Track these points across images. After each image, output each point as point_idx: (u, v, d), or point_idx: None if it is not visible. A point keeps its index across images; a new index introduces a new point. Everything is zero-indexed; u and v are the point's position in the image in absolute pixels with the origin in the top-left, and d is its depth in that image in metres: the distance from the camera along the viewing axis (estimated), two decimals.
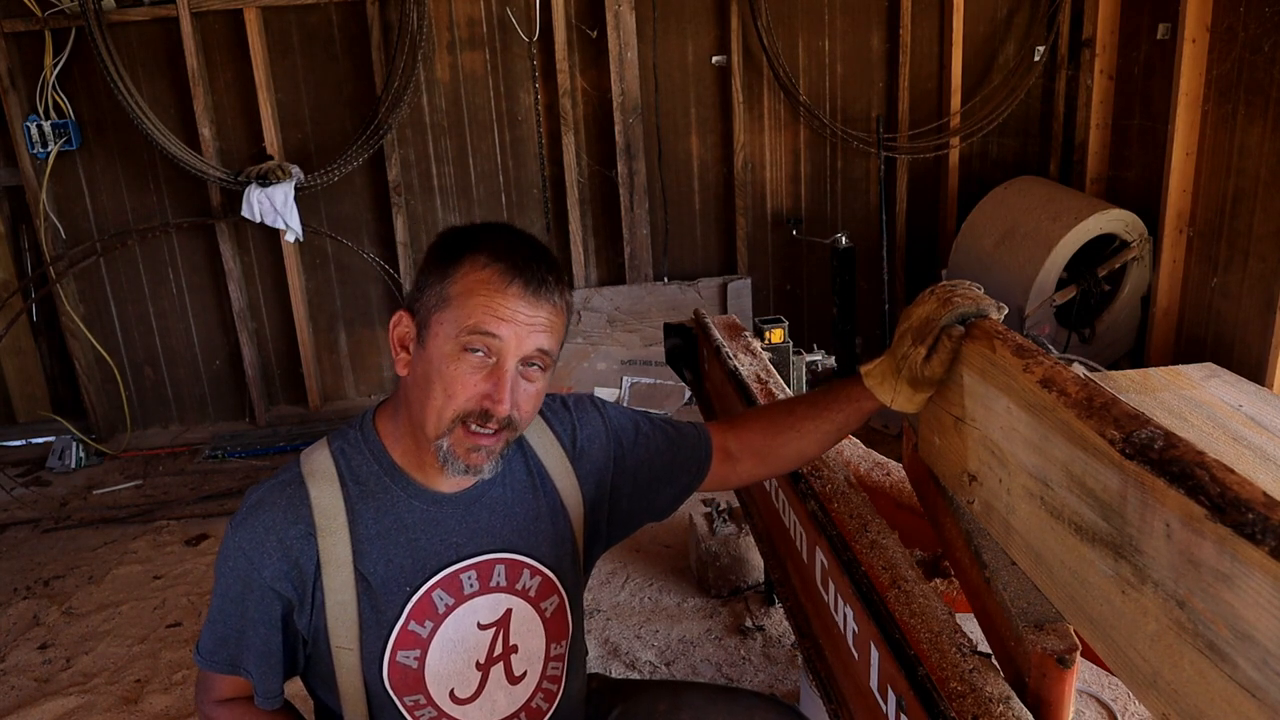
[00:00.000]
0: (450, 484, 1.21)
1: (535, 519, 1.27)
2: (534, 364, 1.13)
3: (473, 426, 1.11)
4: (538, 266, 1.13)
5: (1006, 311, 1.17)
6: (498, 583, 1.23)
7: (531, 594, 1.26)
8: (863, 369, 1.26)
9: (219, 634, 1.18)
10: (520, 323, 1.10)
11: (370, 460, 1.20)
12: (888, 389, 1.22)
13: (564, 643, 1.31)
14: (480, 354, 1.10)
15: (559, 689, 1.32)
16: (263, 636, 1.16)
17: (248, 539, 1.14)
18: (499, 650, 1.24)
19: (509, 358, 1.11)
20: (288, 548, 1.14)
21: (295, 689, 1.27)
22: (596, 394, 4.23)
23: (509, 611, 1.24)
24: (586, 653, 1.46)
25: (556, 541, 1.28)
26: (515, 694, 1.27)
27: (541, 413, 1.33)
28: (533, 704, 1.28)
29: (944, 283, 1.20)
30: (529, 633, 1.26)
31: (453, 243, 1.15)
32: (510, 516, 1.25)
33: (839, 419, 1.33)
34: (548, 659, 1.29)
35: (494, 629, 1.24)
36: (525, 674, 1.27)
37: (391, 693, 1.19)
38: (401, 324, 1.17)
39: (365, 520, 1.17)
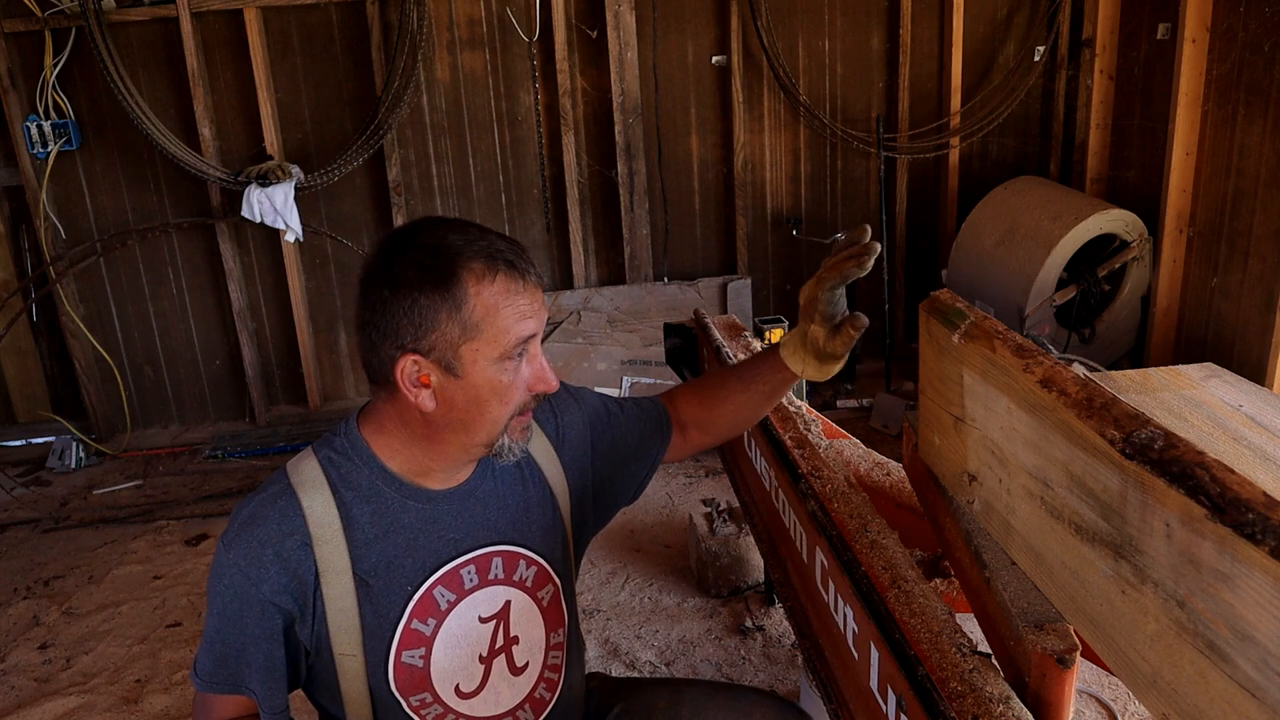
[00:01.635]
0: (441, 481, 1.22)
1: (526, 509, 1.28)
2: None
3: (526, 410, 1.18)
4: (518, 254, 1.15)
5: (871, 259, 1.24)
6: (495, 575, 1.24)
7: (528, 584, 1.27)
8: (781, 341, 1.37)
9: (218, 654, 1.15)
10: (537, 312, 1.15)
11: (360, 466, 1.19)
12: (798, 361, 1.34)
13: (561, 631, 1.32)
14: (522, 355, 1.15)
15: (560, 678, 1.33)
16: (265, 652, 1.14)
17: (243, 555, 1.12)
18: (500, 642, 1.25)
19: (536, 343, 1.16)
20: (285, 559, 1.12)
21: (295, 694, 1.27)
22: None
23: (508, 603, 1.26)
24: (584, 644, 1.46)
25: (548, 530, 1.30)
26: (518, 685, 1.27)
27: None
28: (536, 694, 1.30)
29: (840, 245, 1.30)
30: (528, 623, 1.28)
31: (443, 265, 1.09)
32: (503, 509, 1.26)
33: (765, 389, 1.42)
34: (548, 648, 1.30)
35: (494, 621, 1.24)
36: (527, 665, 1.28)
37: (398, 694, 1.19)
38: (409, 369, 1.11)
39: (361, 525, 1.17)
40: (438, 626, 1.20)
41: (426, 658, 1.19)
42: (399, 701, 1.19)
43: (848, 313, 1.27)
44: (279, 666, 1.16)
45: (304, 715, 1.29)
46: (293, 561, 1.13)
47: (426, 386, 1.12)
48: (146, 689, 2.54)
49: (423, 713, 1.21)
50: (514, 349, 1.12)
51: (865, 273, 1.23)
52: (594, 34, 4.11)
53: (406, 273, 1.09)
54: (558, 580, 1.31)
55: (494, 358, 1.11)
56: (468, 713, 1.23)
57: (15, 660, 2.73)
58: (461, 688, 1.23)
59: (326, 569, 1.14)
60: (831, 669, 1.35)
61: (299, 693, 1.27)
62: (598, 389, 4.59)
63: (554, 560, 1.30)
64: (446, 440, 1.17)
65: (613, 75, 4.11)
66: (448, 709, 1.22)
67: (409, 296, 1.08)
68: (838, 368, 1.33)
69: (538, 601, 1.28)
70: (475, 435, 1.16)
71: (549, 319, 4.26)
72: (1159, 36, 3.86)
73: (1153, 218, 3.81)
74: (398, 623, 1.17)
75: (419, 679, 1.19)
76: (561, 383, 1.41)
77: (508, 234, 1.20)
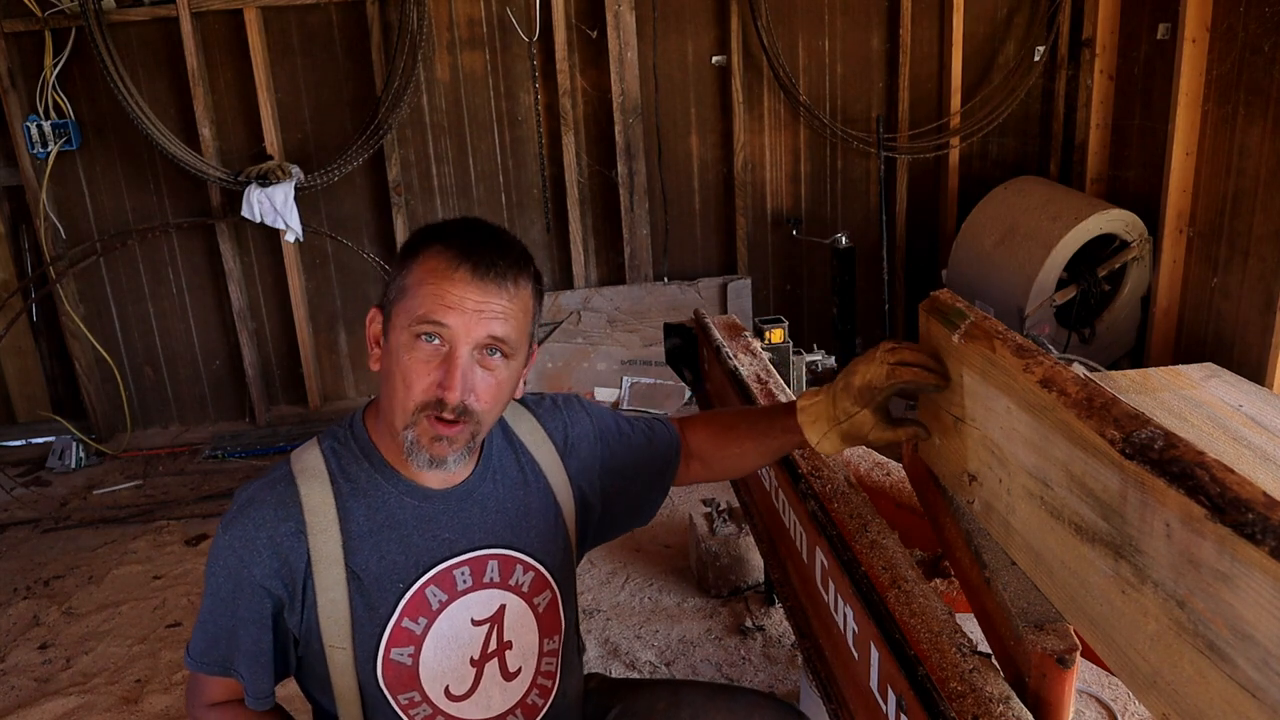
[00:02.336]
0: (440, 480, 1.22)
1: (527, 515, 1.27)
2: (493, 351, 1.13)
3: (435, 416, 1.11)
4: (488, 252, 1.12)
5: (947, 386, 1.15)
6: (491, 578, 1.24)
7: (525, 589, 1.27)
8: (800, 404, 1.28)
9: (210, 635, 1.17)
10: (469, 309, 1.10)
11: (360, 458, 1.20)
12: (817, 432, 1.25)
13: (557, 638, 1.31)
14: (435, 343, 1.10)
15: (554, 685, 1.32)
16: (253, 636, 1.16)
17: (238, 537, 1.14)
18: (493, 646, 1.25)
19: (460, 345, 1.10)
20: (278, 545, 1.14)
21: (291, 690, 1.27)
22: (597, 394, 4.24)
23: (502, 607, 1.25)
24: (582, 650, 1.46)
25: (548, 537, 1.29)
26: (510, 690, 1.27)
27: (532, 410, 1.35)
28: (528, 700, 1.29)
29: (892, 344, 1.20)
30: (523, 628, 1.27)
31: (416, 237, 1.17)
32: (502, 512, 1.25)
33: (774, 445, 1.37)
34: (541, 655, 1.29)
35: (488, 625, 1.24)
36: (520, 670, 1.27)
37: (386, 691, 1.19)
38: (375, 321, 1.19)
39: (356, 517, 1.17)
40: (428, 626, 1.20)
41: (415, 657, 1.19)
42: (387, 699, 1.19)
43: (909, 411, 1.22)
44: (266, 651, 1.17)
45: (304, 716, 1.29)
46: (284, 548, 1.14)
47: (378, 346, 1.18)
48: (146, 689, 2.54)
49: (411, 712, 1.21)
50: (418, 325, 1.09)
51: (937, 390, 1.16)
52: (594, 34, 4.11)
53: (403, 245, 1.19)
54: (556, 587, 1.30)
55: (404, 325, 1.11)
56: (457, 715, 1.23)
57: (15, 660, 2.73)
58: (452, 690, 1.22)
59: (319, 558, 1.15)
60: (831, 669, 1.35)
61: (299, 692, 1.27)
62: (598, 389, 4.59)
63: (553, 567, 1.29)
64: (385, 416, 1.17)
65: (613, 75, 4.11)
66: (437, 710, 1.22)
67: (395, 261, 1.19)
68: (856, 445, 1.26)
69: (533, 607, 1.27)
70: (391, 415, 1.14)
71: (550, 319, 4.26)
72: (1159, 36, 3.86)
73: (1153, 218, 3.81)
74: (388, 619, 1.17)
75: (407, 677, 1.19)
76: (576, 397, 1.42)
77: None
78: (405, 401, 1.11)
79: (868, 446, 1.25)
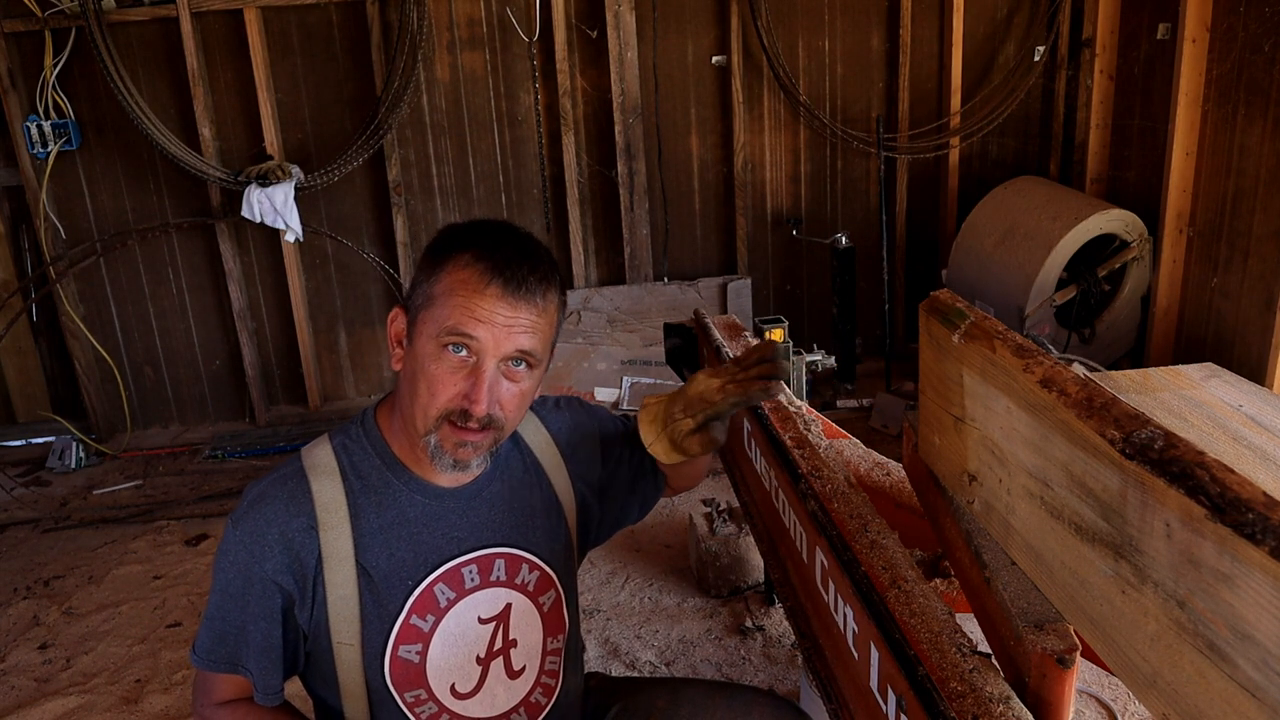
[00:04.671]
0: (450, 479, 1.22)
1: (532, 514, 1.28)
2: (519, 363, 1.13)
3: (458, 424, 1.12)
4: (519, 266, 1.12)
5: (779, 395, 1.26)
6: (498, 577, 1.24)
7: (530, 588, 1.27)
8: (645, 400, 1.32)
9: (218, 631, 1.17)
10: (498, 324, 1.10)
11: (372, 455, 1.20)
12: (650, 434, 1.30)
13: (561, 637, 1.32)
14: (462, 354, 1.11)
15: (557, 684, 1.33)
16: (263, 631, 1.16)
17: (249, 532, 1.14)
18: (499, 645, 1.25)
19: (488, 358, 1.11)
20: (289, 540, 1.14)
21: (293, 688, 1.27)
22: (597, 394, 4.24)
23: (508, 606, 1.25)
24: (583, 649, 1.47)
25: (553, 537, 1.30)
26: (514, 688, 1.27)
27: (537, 412, 1.36)
28: (531, 699, 1.29)
29: (749, 353, 1.24)
30: (528, 627, 1.28)
31: (445, 240, 1.16)
32: (510, 512, 1.26)
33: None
34: (545, 654, 1.30)
35: (494, 623, 1.24)
36: (524, 669, 1.28)
37: (393, 688, 1.19)
38: (397, 320, 1.19)
39: (367, 514, 1.18)
40: (436, 623, 1.20)
41: (423, 654, 1.20)
42: (394, 696, 1.19)
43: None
44: (275, 647, 1.17)
45: (299, 700, 1.29)
46: (296, 544, 1.14)
47: (400, 347, 1.18)
48: (146, 689, 2.54)
49: (418, 710, 1.21)
50: (446, 337, 1.10)
51: (769, 398, 1.22)
52: (594, 34, 4.11)
53: (430, 245, 1.17)
54: (560, 587, 1.31)
55: (431, 334, 1.11)
56: (462, 713, 1.23)
57: (15, 660, 2.73)
58: (457, 688, 1.23)
59: (330, 555, 1.15)
60: (831, 669, 1.35)
61: (300, 691, 1.27)
62: (598, 389, 4.58)
63: (557, 566, 1.30)
64: (405, 417, 1.17)
65: (613, 75, 4.11)
66: (443, 708, 1.22)
67: (421, 260, 1.19)
68: (681, 459, 1.28)
69: (539, 606, 1.28)
70: (412, 418, 1.15)
71: None
72: (1159, 36, 3.86)
73: (1153, 218, 3.81)
74: (397, 616, 1.18)
75: (414, 675, 1.20)
76: (579, 400, 1.43)
77: None
78: (429, 407, 1.12)
79: (681, 454, 1.28)
